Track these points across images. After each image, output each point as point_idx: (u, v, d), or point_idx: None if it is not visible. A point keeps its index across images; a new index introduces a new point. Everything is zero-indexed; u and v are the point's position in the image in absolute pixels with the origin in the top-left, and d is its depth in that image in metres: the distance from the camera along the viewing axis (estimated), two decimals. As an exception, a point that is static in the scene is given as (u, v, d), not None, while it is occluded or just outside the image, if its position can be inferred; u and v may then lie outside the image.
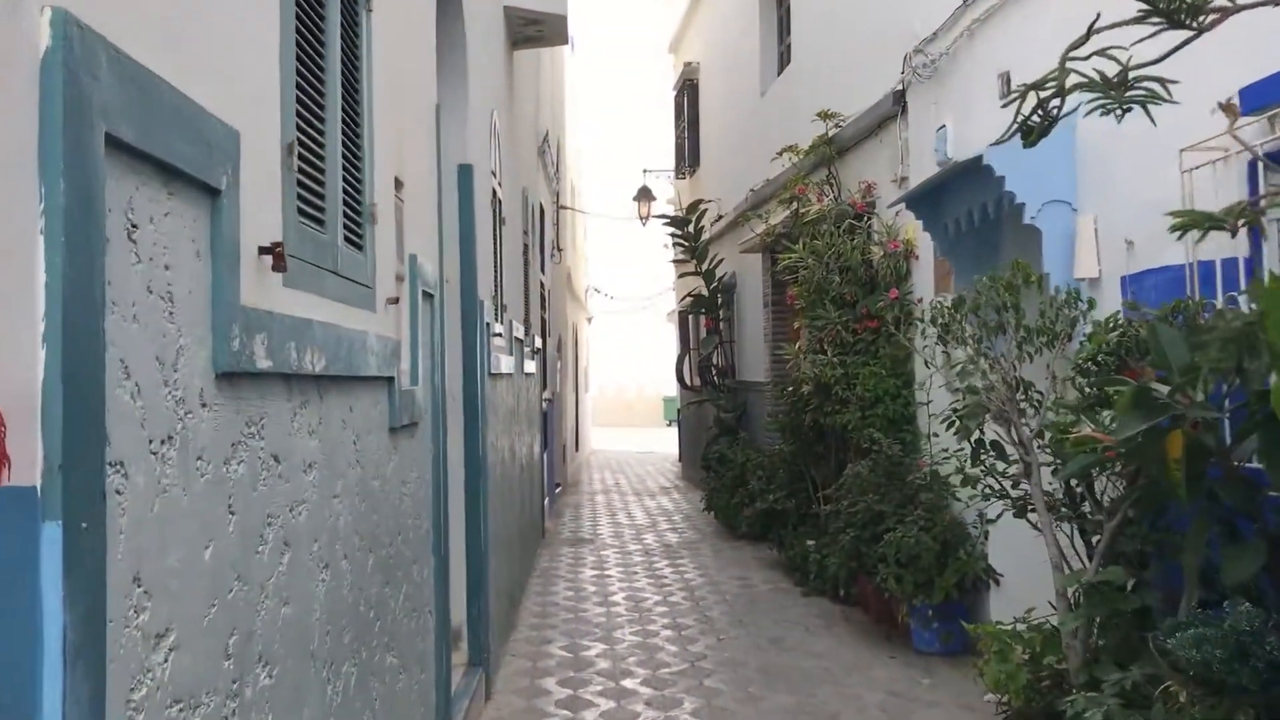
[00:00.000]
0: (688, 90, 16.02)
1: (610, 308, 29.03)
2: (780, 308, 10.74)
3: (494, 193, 6.31)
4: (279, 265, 1.93)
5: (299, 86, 2.17)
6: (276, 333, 1.92)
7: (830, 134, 8.53)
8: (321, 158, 2.34)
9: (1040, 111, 2.44)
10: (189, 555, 1.56)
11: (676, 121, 17.01)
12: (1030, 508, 3.82)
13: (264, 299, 1.89)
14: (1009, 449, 3.97)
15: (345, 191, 2.57)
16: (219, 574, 1.68)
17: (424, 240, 3.77)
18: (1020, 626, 4.10)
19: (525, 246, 9.00)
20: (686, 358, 15.79)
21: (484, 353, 5.45)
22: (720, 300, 12.96)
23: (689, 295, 13.44)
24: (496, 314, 6.36)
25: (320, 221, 2.33)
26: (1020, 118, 2.47)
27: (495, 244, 6.39)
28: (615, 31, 31.29)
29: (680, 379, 15.77)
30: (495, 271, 6.39)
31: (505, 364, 6.51)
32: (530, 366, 9.04)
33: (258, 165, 1.88)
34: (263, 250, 1.88)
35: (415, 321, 3.40)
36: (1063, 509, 3.77)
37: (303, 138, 2.19)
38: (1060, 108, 2.40)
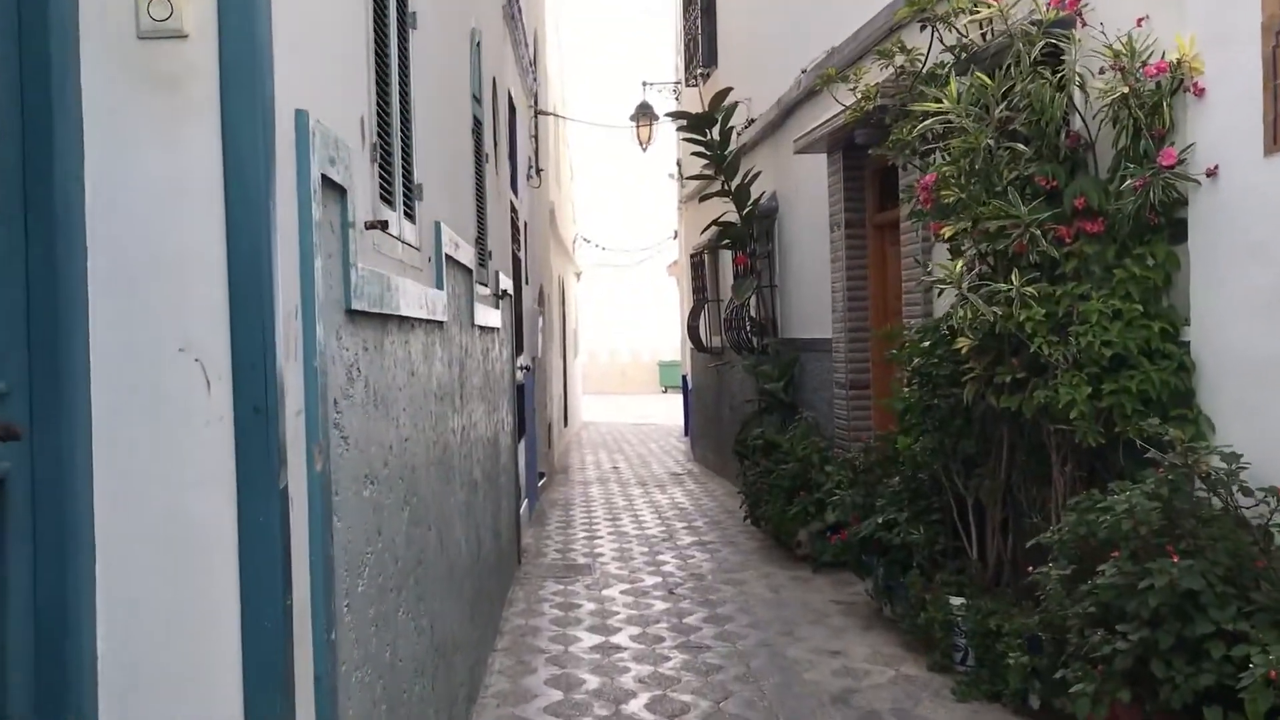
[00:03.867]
0: (701, -31, 12.54)
1: (602, 260, 25.57)
2: (858, 229, 7.39)
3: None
4: None
5: None
6: None
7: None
8: None
9: None
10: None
11: (686, 12, 13.51)
12: None
13: None
14: None
15: None
16: None
17: None
18: None
19: (477, 123, 5.62)
20: (703, 310, 12.43)
21: (335, 253, 2.13)
22: (754, 231, 9.59)
23: (712, 224, 10.07)
24: (396, 187, 3.01)
25: None
26: None
27: (392, 43, 3.02)
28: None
29: (694, 338, 12.42)
30: (397, 104, 3.03)
31: (416, 297, 3.18)
32: (491, 317, 5.70)
33: None
34: None
35: None
36: None
37: None
38: None
